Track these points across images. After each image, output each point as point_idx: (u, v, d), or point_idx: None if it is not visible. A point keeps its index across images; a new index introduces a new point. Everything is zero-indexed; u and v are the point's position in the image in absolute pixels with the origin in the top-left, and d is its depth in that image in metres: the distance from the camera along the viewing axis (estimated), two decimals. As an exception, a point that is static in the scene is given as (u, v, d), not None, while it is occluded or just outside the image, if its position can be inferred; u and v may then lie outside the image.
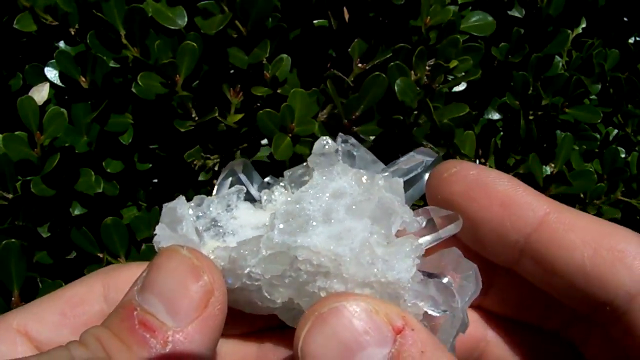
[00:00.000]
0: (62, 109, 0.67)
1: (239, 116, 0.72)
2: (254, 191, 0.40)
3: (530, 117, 0.82)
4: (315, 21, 0.78)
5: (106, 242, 0.70)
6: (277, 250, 0.33)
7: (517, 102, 0.81)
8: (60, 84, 0.71)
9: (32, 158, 0.67)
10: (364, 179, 0.36)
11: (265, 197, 0.39)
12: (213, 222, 0.38)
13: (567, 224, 0.33)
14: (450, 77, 0.74)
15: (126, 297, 0.31)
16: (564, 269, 0.33)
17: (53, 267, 0.74)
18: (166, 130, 0.73)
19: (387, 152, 0.72)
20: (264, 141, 0.77)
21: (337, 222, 0.34)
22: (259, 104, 0.75)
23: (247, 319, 0.37)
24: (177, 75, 0.67)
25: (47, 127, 0.66)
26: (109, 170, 0.73)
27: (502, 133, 0.86)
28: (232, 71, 0.73)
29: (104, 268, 0.38)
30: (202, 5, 0.69)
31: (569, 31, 0.86)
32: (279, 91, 0.73)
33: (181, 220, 0.37)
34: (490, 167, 0.85)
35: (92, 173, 0.70)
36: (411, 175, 0.39)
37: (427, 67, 0.72)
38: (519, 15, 0.84)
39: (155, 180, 0.81)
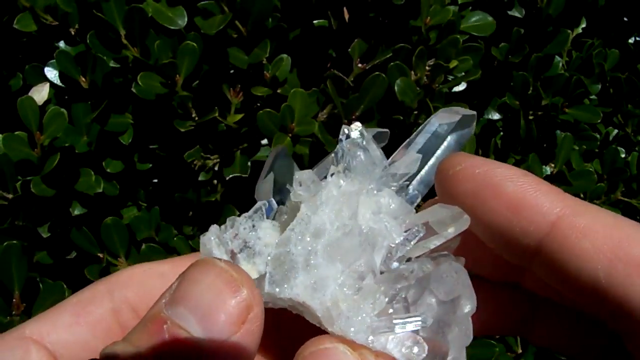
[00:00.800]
0: (62, 109, 0.67)
1: (239, 116, 0.72)
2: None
3: (530, 117, 0.82)
4: (315, 21, 0.78)
5: (106, 242, 0.70)
6: (266, 300, 0.33)
7: (517, 102, 0.81)
8: (60, 84, 0.71)
9: (32, 158, 0.67)
10: (343, 211, 0.34)
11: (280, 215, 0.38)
12: (245, 243, 0.37)
13: (581, 229, 0.30)
14: (450, 77, 0.74)
15: (152, 311, 0.29)
16: (577, 280, 0.30)
17: (53, 267, 0.74)
18: (166, 130, 0.73)
19: (387, 152, 0.72)
20: (264, 141, 0.77)
21: (314, 269, 0.32)
22: (259, 104, 0.75)
23: None
24: (177, 75, 0.67)
25: (47, 127, 0.67)
26: (109, 170, 0.73)
27: (502, 133, 0.86)
28: (232, 71, 0.73)
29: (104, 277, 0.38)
30: (202, 5, 0.69)
31: (569, 31, 0.86)
32: (279, 91, 0.73)
33: (212, 252, 0.35)
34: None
35: (92, 173, 0.70)
36: (431, 147, 0.38)
37: (427, 67, 0.72)
38: (519, 15, 0.84)
39: (155, 180, 0.81)
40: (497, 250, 0.34)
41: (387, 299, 0.33)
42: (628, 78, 0.87)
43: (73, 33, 0.71)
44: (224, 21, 0.66)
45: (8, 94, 0.75)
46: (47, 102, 0.72)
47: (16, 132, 0.67)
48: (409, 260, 0.34)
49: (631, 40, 0.98)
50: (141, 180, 0.79)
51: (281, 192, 0.39)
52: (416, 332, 0.32)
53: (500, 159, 0.86)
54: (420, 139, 0.38)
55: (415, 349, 0.32)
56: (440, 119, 0.38)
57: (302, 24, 0.79)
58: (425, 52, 0.70)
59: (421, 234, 0.34)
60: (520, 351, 0.84)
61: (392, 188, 0.37)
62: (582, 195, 0.85)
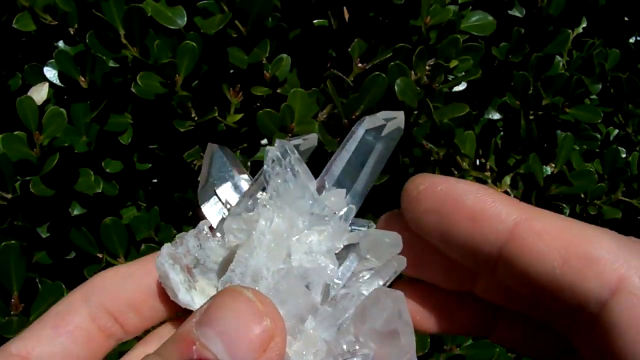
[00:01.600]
0: (61, 109, 0.67)
1: (239, 116, 0.72)
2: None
3: (531, 117, 0.82)
4: (315, 21, 0.78)
5: (105, 242, 0.70)
6: None
7: (517, 102, 0.81)
8: (59, 83, 0.71)
9: (32, 158, 0.67)
10: (277, 255, 0.35)
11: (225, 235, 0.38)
12: (197, 260, 0.38)
13: (537, 232, 0.32)
14: (450, 77, 0.74)
15: (183, 329, 0.31)
16: (537, 279, 0.32)
17: (52, 268, 0.74)
18: (166, 130, 0.72)
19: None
20: (264, 141, 0.77)
21: None
22: (258, 104, 0.75)
23: None
24: (177, 75, 0.67)
25: (46, 127, 0.66)
26: (108, 170, 0.73)
27: (502, 133, 0.86)
28: (232, 71, 0.73)
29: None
30: (201, 5, 0.69)
31: (570, 31, 0.86)
32: (279, 91, 0.73)
33: (167, 275, 0.37)
34: (490, 167, 0.85)
35: (92, 173, 0.70)
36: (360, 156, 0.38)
37: (427, 67, 0.72)
38: (519, 15, 0.84)
39: (155, 180, 0.81)
40: (462, 261, 0.36)
41: (330, 339, 0.34)
42: (629, 78, 0.87)
43: (72, 33, 0.71)
44: (223, 21, 0.66)
45: (7, 94, 0.75)
46: (46, 102, 0.72)
47: (15, 132, 0.67)
48: (347, 292, 0.35)
49: (632, 40, 0.98)
50: (141, 180, 0.79)
51: (227, 191, 0.39)
52: None
53: (501, 159, 0.86)
54: (347, 152, 0.38)
55: None
56: (366, 126, 0.38)
57: (302, 24, 0.79)
58: (425, 52, 0.70)
59: (355, 264, 0.35)
60: (520, 351, 0.84)
61: (326, 219, 0.37)
62: (582, 195, 0.85)
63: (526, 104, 0.80)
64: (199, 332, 0.30)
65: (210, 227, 0.39)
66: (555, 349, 0.38)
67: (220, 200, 0.40)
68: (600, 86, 0.84)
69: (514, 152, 0.85)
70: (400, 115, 0.39)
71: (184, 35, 0.69)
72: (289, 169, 0.37)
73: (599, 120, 0.82)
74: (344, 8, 0.77)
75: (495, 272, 0.35)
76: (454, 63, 0.71)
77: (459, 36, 0.72)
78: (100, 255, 0.71)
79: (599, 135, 0.90)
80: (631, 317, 0.30)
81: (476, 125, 0.85)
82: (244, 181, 0.41)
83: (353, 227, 0.38)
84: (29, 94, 0.71)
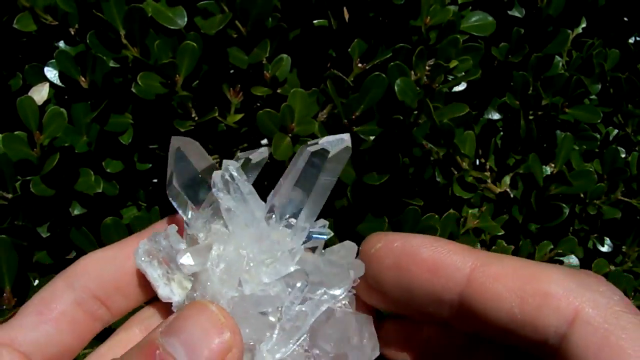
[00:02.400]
0: (61, 109, 0.67)
1: (239, 116, 0.72)
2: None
3: (530, 117, 0.82)
4: (315, 21, 0.78)
5: (106, 242, 0.70)
6: None
7: (517, 102, 0.81)
8: (60, 83, 0.71)
9: (32, 158, 0.67)
10: (230, 283, 0.37)
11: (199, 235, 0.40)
12: (170, 258, 0.39)
13: (493, 275, 0.34)
14: (450, 77, 0.74)
15: (149, 337, 0.34)
16: (497, 320, 0.34)
17: (53, 267, 0.74)
18: (166, 130, 0.72)
19: (387, 152, 0.72)
20: (264, 141, 0.77)
21: None
22: (259, 104, 0.75)
23: None
24: (177, 75, 0.67)
25: (46, 127, 0.66)
26: (108, 170, 0.73)
27: (502, 133, 0.86)
28: (232, 71, 0.73)
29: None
30: (202, 5, 0.69)
31: (569, 31, 0.86)
32: (279, 91, 0.73)
33: (146, 272, 0.39)
34: (489, 167, 0.85)
35: (92, 173, 0.70)
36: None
37: (427, 67, 0.72)
38: (519, 15, 0.84)
39: (155, 180, 0.81)
40: (424, 310, 0.37)
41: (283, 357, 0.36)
42: (628, 78, 0.87)
43: (73, 33, 0.71)
44: (224, 21, 0.66)
45: (7, 94, 0.75)
46: (46, 102, 0.72)
47: (16, 132, 0.67)
48: (303, 311, 0.37)
49: (631, 40, 0.98)
50: (141, 180, 0.79)
51: (193, 186, 0.40)
52: None
53: (501, 159, 0.86)
54: (295, 172, 0.39)
55: None
56: (312, 147, 0.39)
57: (302, 24, 0.79)
58: (425, 52, 0.70)
59: (307, 287, 0.37)
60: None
61: (276, 246, 0.39)
62: (582, 195, 0.85)
63: (526, 104, 0.81)
64: (163, 340, 0.33)
65: (185, 223, 0.40)
66: None
67: (186, 196, 0.41)
68: (599, 86, 0.84)
69: (514, 152, 0.85)
70: (345, 137, 0.40)
71: (184, 35, 0.69)
72: (237, 194, 0.38)
73: (599, 120, 0.82)
74: (344, 8, 0.77)
75: (457, 318, 0.36)
76: (453, 63, 0.71)
77: (458, 36, 0.72)
78: (100, 255, 0.71)
79: (598, 135, 0.90)
80: (588, 346, 0.31)
81: (476, 125, 0.85)
82: (207, 173, 0.41)
83: (312, 232, 0.40)
84: (29, 94, 0.71)
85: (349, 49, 0.74)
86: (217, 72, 0.72)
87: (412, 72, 0.71)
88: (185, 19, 0.69)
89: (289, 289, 0.37)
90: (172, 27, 0.69)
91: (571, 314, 0.32)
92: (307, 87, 0.74)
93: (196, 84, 0.72)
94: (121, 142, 0.72)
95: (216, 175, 0.39)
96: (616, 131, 0.95)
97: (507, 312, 0.34)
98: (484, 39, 0.78)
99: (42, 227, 0.71)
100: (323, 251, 0.40)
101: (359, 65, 0.74)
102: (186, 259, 0.38)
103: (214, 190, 0.38)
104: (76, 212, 0.71)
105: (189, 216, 0.41)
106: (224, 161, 0.40)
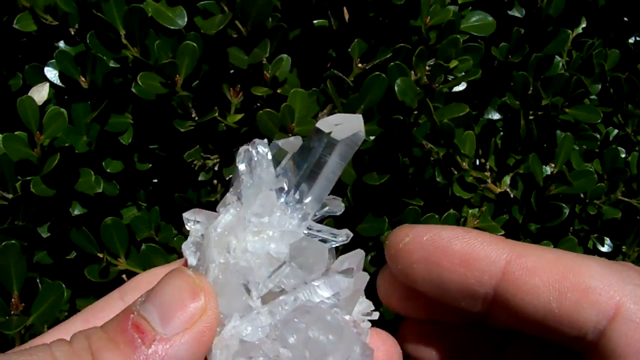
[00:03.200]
0: (62, 109, 0.67)
1: (239, 116, 0.72)
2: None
3: (530, 117, 0.82)
4: (315, 21, 0.78)
5: (106, 242, 0.70)
6: None
7: (517, 102, 0.81)
8: (60, 84, 0.71)
9: (32, 158, 0.67)
10: (220, 251, 0.37)
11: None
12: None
13: (530, 268, 0.34)
14: (450, 77, 0.74)
15: (129, 305, 0.34)
16: (534, 314, 0.33)
17: (53, 267, 0.74)
18: (166, 130, 0.73)
19: (387, 152, 0.72)
20: (264, 141, 0.77)
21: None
22: (259, 104, 0.75)
23: None
24: (177, 75, 0.67)
25: (47, 127, 0.66)
26: (109, 170, 0.73)
27: (502, 133, 0.86)
28: (232, 71, 0.73)
29: None
30: (202, 5, 0.69)
31: (569, 31, 0.86)
32: (279, 91, 0.73)
33: (188, 260, 0.39)
34: (489, 167, 0.85)
35: (92, 173, 0.70)
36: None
37: (427, 67, 0.72)
38: (519, 15, 0.84)
39: (155, 180, 0.81)
40: (457, 305, 0.37)
41: (250, 341, 0.36)
42: (628, 78, 0.87)
43: (73, 33, 0.71)
44: (224, 21, 0.66)
45: (8, 94, 0.75)
46: (47, 102, 0.72)
47: (16, 132, 0.67)
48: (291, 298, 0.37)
49: (631, 40, 0.98)
50: (141, 180, 0.79)
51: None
52: None
53: (501, 159, 0.86)
54: (307, 153, 0.39)
55: None
56: (325, 127, 0.39)
57: (302, 24, 0.79)
58: (425, 52, 0.70)
59: (287, 270, 0.36)
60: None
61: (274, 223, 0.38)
62: (582, 195, 0.85)
63: (526, 104, 0.81)
64: (141, 306, 0.33)
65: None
66: None
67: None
68: (599, 86, 0.84)
69: (514, 152, 0.85)
70: (358, 120, 0.39)
71: (185, 35, 0.69)
72: (256, 168, 0.39)
73: (599, 121, 0.82)
74: (344, 8, 0.77)
75: (491, 313, 0.36)
76: (454, 63, 0.71)
77: (458, 36, 0.72)
78: (100, 255, 0.71)
79: (598, 135, 0.90)
80: (629, 344, 0.31)
81: (476, 125, 0.85)
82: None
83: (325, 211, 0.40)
84: (29, 94, 0.71)
85: (349, 49, 0.74)
86: (217, 72, 0.72)
87: (412, 72, 0.71)
88: (185, 19, 0.69)
89: (271, 268, 0.36)
90: (172, 27, 0.69)
91: (612, 309, 0.32)
92: (307, 87, 0.74)
93: (196, 84, 0.72)
94: (121, 142, 0.72)
95: (243, 148, 0.39)
96: (616, 131, 0.95)
97: (545, 306, 0.33)
98: (484, 39, 0.78)
99: (43, 227, 0.71)
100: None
101: (359, 65, 0.74)
102: (190, 214, 0.38)
103: (237, 160, 0.39)
104: (76, 212, 0.71)
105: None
106: (255, 140, 0.39)
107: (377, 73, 0.69)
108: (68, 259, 0.74)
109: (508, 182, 0.84)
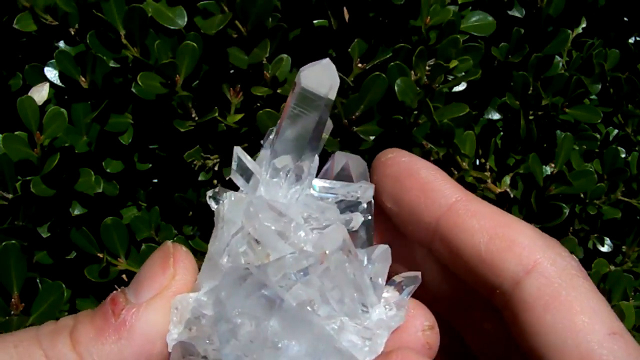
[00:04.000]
0: (62, 109, 0.67)
1: (239, 116, 0.72)
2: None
3: (530, 117, 0.82)
4: (315, 21, 0.78)
5: (106, 242, 0.70)
6: None
7: (517, 102, 0.81)
8: (60, 84, 0.71)
9: (32, 158, 0.67)
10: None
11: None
12: None
13: (472, 211, 0.37)
14: (450, 77, 0.74)
15: None
16: (464, 252, 0.36)
17: (53, 267, 0.74)
18: (166, 130, 0.73)
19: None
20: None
21: None
22: (259, 104, 0.75)
23: None
24: (177, 75, 0.67)
25: (47, 127, 0.66)
26: (108, 170, 0.73)
27: (502, 133, 0.86)
28: (232, 71, 0.73)
29: None
30: (202, 5, 0.69)
31: (569, 31, 0.86)
32: (279, 91, 0.73)
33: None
34: (489, 167, 0.85)
35: (92, 173, 0.70)
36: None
37: (427, 67, 0.72)
38: (519, 15, 0.84)
39: (155, 180, 0.81)
40: (407, 229, 0.40)
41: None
42: (628, 78, 0.87)
43: (73, 33, 0.71)
44: (224, 21, 0.66)
45: (8, 94, 0.75)
46: (47, 102, 0.72)
47: (16, 132, 0.67)
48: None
49: (631, 40, 0.98)
50: (141, 180, 0.79)
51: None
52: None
53: (501, 158, 0.86)
54: (295, 110, 0.37)
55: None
56: (307, 80, 0.37)
57: (302, 24, 0.79)
58: (425, 52, 0.70)
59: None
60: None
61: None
62: (582, 195, 0.85)
63: (526, 104, 0.81)
64: (127, 287, 0.35)
65: None
66: None
67: None
68: (599, 86, 0.84)
69: (514, 152, 0.85)
70: (325, 62, 0.37)
71: (185, 35, 0.69)
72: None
73: (599, 121, 0.82)
74: (344, 8, 0.77)
75: (433, 244, 0.38)
76: (453, 63, 0.71)
77: (458, 36, 0.72)
78: (100, 255, 0.71)
79: (598, 135, 0.90)
80: (539, 296, 0.34)
81: (476, 125, 0.85)
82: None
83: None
84: (29, 94, 0.71)
85: (349, 49, 0.74)
86: (217, 72, 0.72)
87: (412, 72, 0.71)
88: (185, 19, 0.69)
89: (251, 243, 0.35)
90: (172, 27, 0.69)
91: (530, 264, 0.34)
92: (307, 87, 0.73)
93: (196, 84, 0.72)
94: (121, 142, 0.72)
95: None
96: (616, 131, 0.95)
97: (475, 247, 0.36)
98: (484, 39, 0.78)
99: (43, 227, 0.71)
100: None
101: (359, 65, 0.74)
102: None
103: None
104: (76, 212, 0.71)
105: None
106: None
107: (377, 73, 0.69)
108: (68, 259, 0.74)
109: (508, 182, 0.84)
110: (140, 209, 0.79)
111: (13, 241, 0.60)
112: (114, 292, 0.35)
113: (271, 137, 0.39)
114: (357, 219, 0.37)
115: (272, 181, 0.38)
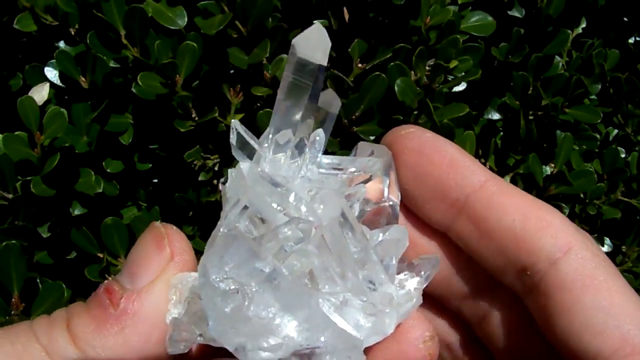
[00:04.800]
0: (62, 109, 0.67)
1: (239, 116, 0.72)
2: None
3: (530, 117, 0.82)
4: (315, 21, 0.78)
5: (106, 242, 0.70)
6: None
7: (517, 102, 0.81)
8: (60, 84, 0.71)
9: (32, 158, 0.67)
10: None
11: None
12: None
13: (504, 191, 0.36)
14: (450, 77, 0.74)
15: None
16: (496, 230, 0.35)
17: (53, 267, 0.74)
18: (166, 130, 0.73)
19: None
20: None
21: None
22: (259, 104, 0.75)
23: None
24: (177, 75, 0.67)
25: (47, 127, 0.66)
26: (109, 170, 0.73)
27: (502, 133, 0.86)
28: (232, 71, 0.73)
29: None
30: (202, 5, 0.69)
31: (569, 31, 0.86)
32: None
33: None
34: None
35: (92, 173, 0.70)
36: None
37: (427, 67, 0.72)
38: (519, 15, 0.84)
39: (155, 180, 0.81)
40: (424, 209, 0.38)
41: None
42: (628, 78, 0.87)
43: (73, 33, 0.71)
44: (224, 21, 0.66)
45: (8, 94, 0.75)
46: (47, 102, 0.72)
47: (16, 132, 0.67)
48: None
49: (631, 40, 0.98)
50: (141, 180, 0.79)
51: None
52: None
53: (501, 158, 0.86)
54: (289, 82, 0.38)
55: None
56: (301, 48, 0.37)
57: (302, 24, 0.79)
58: (425, 52, 0.70)
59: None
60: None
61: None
62: (582, 195, 0.86)
63: (526, 104, 0.81)
64: (120, 273, 0.34)
65: None
66: None
67: None
68: (599, 86, 0.84)
69: (514, 152, 0.85)
70: (317, 27, 0.37)
71: (185, 35, 0.69)
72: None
73: (599, 121, 0.82)
74: (344, 8, 0.77)
75: (455, 223, 0.37)
76: (453, 63, 0.71)
77: (458, 36, 0.72)
78: (100, 255, 0.71)
79: (598, 136, 0.90)
80: (577, 278, 0.33)
81: (476, 125, 0.85)
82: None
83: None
84: (29, 94, 0.71)
85: (349, 49, 0.74)
86: (217, 72, 0.72)
87: (412, 72, 0.72)
88: (186, 19, 0.69)
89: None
90: (172, 28, 0.69)
91: (566, 246, 0.34)
92: (307, 87, 0.73)
93: (196, 84, 0.72)
94: (121, 142, 0.72)
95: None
96: (616, 131, 0.95)
97: (508, 225, 0.35)
98: (484, 39, 0.78)
99: (43, 227, 0.71)
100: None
101: (359, 65, 0.74)
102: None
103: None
104: (76, 212, 0.71)
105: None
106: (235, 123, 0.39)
107: (377, 73, 0.69)
108: (68, 259, 0.74)
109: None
110: (141, 209, 0.79)
111: (13, 241, 0.60)
112: (106, 281, 0.34)
113: (267, 130, 0.39)
114: (360, 191, 0.36)
115: (276, 157, 0.37)
